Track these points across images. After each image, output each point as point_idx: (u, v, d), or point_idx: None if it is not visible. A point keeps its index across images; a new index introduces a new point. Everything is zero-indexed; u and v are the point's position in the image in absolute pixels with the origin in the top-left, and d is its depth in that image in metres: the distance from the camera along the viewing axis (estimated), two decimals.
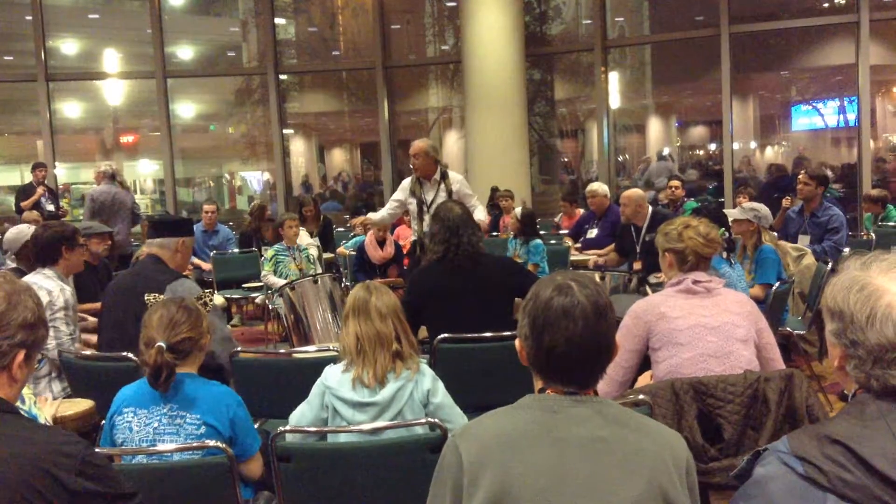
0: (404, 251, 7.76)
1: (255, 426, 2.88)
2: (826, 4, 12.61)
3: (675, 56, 13.51)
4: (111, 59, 13.82)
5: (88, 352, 3.95)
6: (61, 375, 3.91)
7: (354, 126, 16.51)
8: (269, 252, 7.06)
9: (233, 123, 15.67)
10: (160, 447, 2.59)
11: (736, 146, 12.03)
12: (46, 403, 3.26)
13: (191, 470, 2.54)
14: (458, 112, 13.93)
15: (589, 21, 12.69)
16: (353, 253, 7.98)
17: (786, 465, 1.33)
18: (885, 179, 11.08)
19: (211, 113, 16.02)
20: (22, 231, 4.86)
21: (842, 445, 1.30)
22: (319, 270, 7.09)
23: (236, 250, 8.61)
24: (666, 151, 13.93)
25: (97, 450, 2.49)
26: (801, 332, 5.35)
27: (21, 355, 1.68)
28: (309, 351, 4.29)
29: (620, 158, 13.72)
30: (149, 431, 2.62)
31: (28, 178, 10.53)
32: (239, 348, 3.75)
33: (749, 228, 5.31)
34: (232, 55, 15.89)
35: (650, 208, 6.64)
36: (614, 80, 12.73)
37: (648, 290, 4.54)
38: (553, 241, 7.91)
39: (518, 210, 6.99)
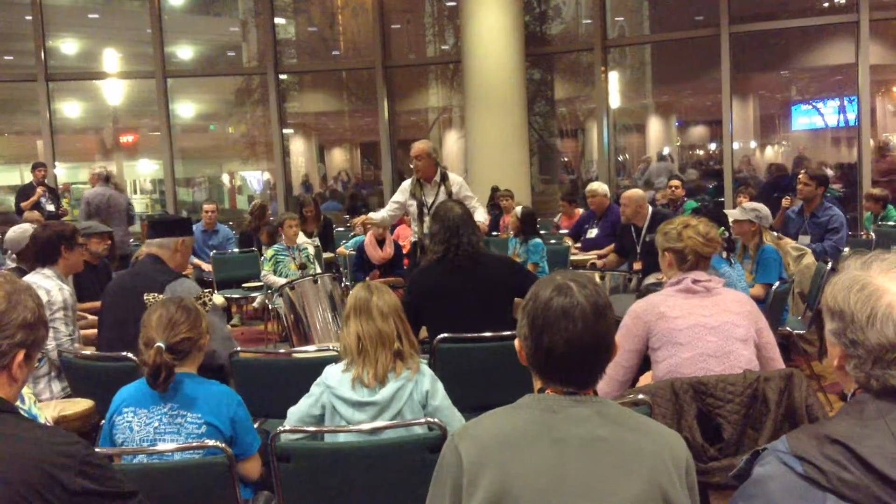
0: (404, 251, 7.76)
1: (255, 426, 2.88)
2: (826, 4, 12.61)
3: (675, 56, 13.51)
4: (111, 58, 13.82)
5: (88, 351, 3.95)
6: (61, 375, 3.91)
7: (354, 126, 16.51)
8: (268, 252, 7.07)
9: (233, 123, 15.67)
10: (160, 447, 2.59)
11: (736, 146, 12.03)
12: (48, 406, 3.26)
13: (190, 470, 2.54)
14: (458, 112, 13.93)
15: (589, 21, 12.70)
16: (353, 253, 7.98)
17: (785, 464, 1.34)
18: (887, 179, 11.07)
19: (211, 113, 16.02)
20: (24, 231, 4.86)
21: (841, 445, 1.30)
22: (317, 269, 7.10)
23: (236, 250, 8.62)
24: (666, 151, 13.93)
25: (97, 450, 2.50)
26: (801, 332, 5.35)
27: (21, 355, 1.68)
28: (309, 351, 4.30)
29: (620, 158, 13.73)
30: (149, 431, 2.62)
31: (28, 178, 10.53)
32: (238, 348, 3.75)
33: (750, 229, 5.31)
34: (232, 55, 15.89)
35: (650, 208, 6.64)
36: (614, 79, 12.73)
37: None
38: (553, 241, 7.91)
39: (518, 209, 7.00)
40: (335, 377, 2.76)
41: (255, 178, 15.90)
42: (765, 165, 13.62)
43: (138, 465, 2.59)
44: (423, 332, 3.97)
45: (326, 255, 8.18)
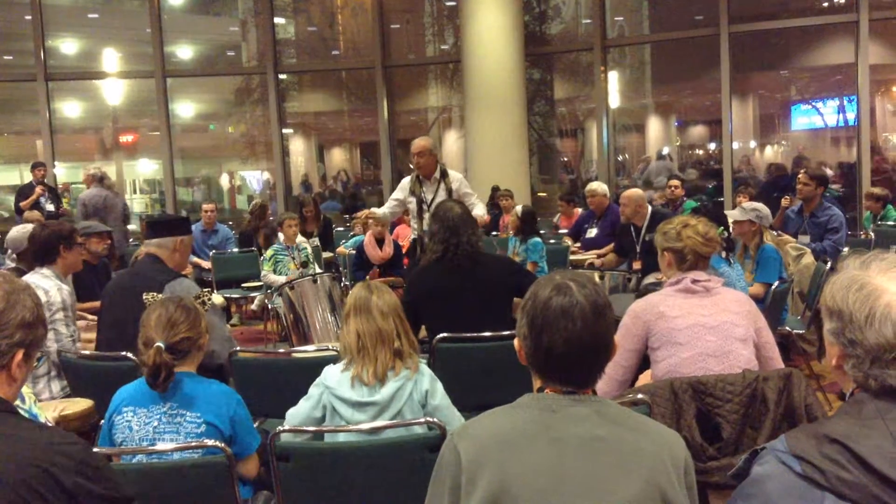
0: (403, 251, 7.76)
1: (255, 425, 2.89)
2: (825, 4, 12.61)
3: (674, 55, 13.51)
4: (110, 58, 13.82)
5: (87, 351, 3.95)
6: (60, 375, 3.91)
7: (354, 125, 16.50)
8: (268, 251, 7.08)
9: (232, 123, 15.67)
10: (159, 446, 2.59)
11: (735, 146, 12.03)
12: (48, 406, 3.26)
13: (190, 469, 2.54)
14: (458, 111, 13.93)
15: (588, 20, 12.70)
16: (353, 252, 7.98)
17: (784, 464, 1.34)
18: (888, 178, 11.07)
19: (210, 112, 16.01)
20: (26, 230, 4.87)
21: (840, 444, 1.30)
22: (316, 269, 7.11)
23: (235, 250, 8.62)
24: (665, 151, 13.92)
25: (96, 449, 2.50)
26: (801, 332, 5.35)
27: (20, 355, 1.68)
28: (308, 350, 4.30)
29: (620, 158, 13.72)
30: (148, 431, 2.62)
31: (28, 177, 10.52)
32: (238, 348, 3.75)
33: (751, 229, 5.31)
34: (231, 55, 15.88)
35: (650, 208, 6.64)
36: (614, 79, 12.73)
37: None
38: (552, 241, 7.91)
39: (519, 208, 7.01)
40: (334, 377, 2.76)
41: (255, 178, 15.90)
42: (764, 165, 13.62)
43: (138, 464, 2.59)
44: (423, 332, 3.97)
45: (326, 254, 8.18)
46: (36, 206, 9.57)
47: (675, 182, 8.88)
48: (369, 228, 7.55)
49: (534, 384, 1.73)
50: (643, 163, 14.01)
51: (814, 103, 13.80)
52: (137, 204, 15.50)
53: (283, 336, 6.42)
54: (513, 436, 1.61)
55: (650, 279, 5.36)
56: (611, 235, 7.45)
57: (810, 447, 1.32)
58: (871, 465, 1.27)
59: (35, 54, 12.03)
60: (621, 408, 1.70)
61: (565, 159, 14.80)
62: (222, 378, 3.40)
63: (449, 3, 13.78)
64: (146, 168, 15.67)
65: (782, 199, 7.37)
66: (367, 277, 7.09)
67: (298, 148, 15.86)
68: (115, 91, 13.93)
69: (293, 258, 6.98)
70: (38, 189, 9.82)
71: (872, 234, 7.68)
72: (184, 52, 14.60)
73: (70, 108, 14.17)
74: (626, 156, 14.52)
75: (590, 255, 7.40)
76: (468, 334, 3.71)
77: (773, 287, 4.90)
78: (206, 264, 8.28)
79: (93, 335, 4.19)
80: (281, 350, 5.20)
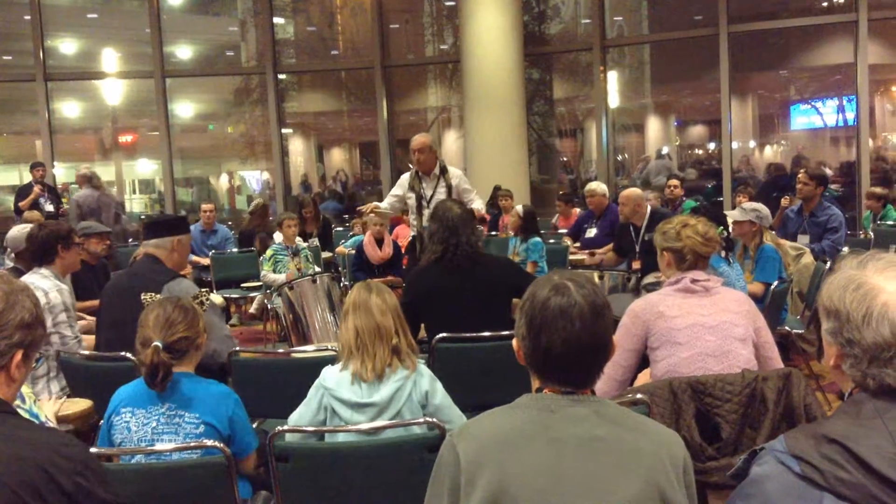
0: (402, 251, 7.75)
1: (254, 426, 2.89)
2: (825, 4, 12.61)
3: (673, 55, 13.51)
4: (110, 58, 13.81)
5: (86, 351, 3.95)
6: (59, 375, 3.91)
7: (353, 125, 16.50)
8: (268, 251, 7.09)
9: (231, 123, 15.66)
10: (158, 447, 2.59)
11: (735, 145, 12.03)
12: (49, 402, 3.26)
13: (189, 470, 2.54)
14: (457, 111, 13.93)
15: (587, 20, 12.69)
16: (352, 252, 7.98)
17: (782, 464, 1.34)
18: (887, 178, 11.07)
19: (209, 112, 16.01)
20: (25, 230, 4.87)
21: (838, 444, 1.30)
22: (315, 269, 7.11)
23: (235, 250, 8.61)
24: (665, 150, 13.92)
25: (95, 450, 2.50)
26: (800, 332, 5.35)
27: (19, 355, 1.68)
28: (307, 350, 4.30)
29: (619, 158, 13.72)
30: (147, 431, 2.62)
31: (27, 178, 10.52)
32: (237, 347, 3.75)
33: (751, 229, 5.31)
34: (230, 55, 15.88)
35: (649, 207, 6.64)
36: (613, 79, 12.73)
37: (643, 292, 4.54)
38: (552, 241, 7.91)
39: (519, 208, 7.01)
40: (333, 378, 2.76)
41: (254, 178, 15.90)
42: (764, 165, 13.63)
43: (137, 464, 2.58)
44: (422, 332, 3.97)
45: (325, 254, 8.18)
46: (35, 206, 9.56)
47: (675, 182, 8.88)
48: (369, 228, 7.55)
49: (532, 384, 1.73)
50: (642, 162, 14.01)
51: (813, 103, 13.81)
52: (136, 204, 15.50)
53: (282, 336, 6.42)
54: (512, 436, 1.61)
55: (650, 279, 5.36)
56: (610, 235, 7.45)
57: (809, 447, 1.33)
58: (870, 465, 1.27)
59: (34, 54, 12.03)
60: (620, 408, 1.70)
61: (564, 159, 14.81)
62: (222, 378, 3.40)
63: (448, 3, 13.78)
64: (145, 168, 15.67)
65: (782, 199, 7.37)
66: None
67: (298, 148, 15.86)
68: (114, 91, 13.92)
69: (293, 258, 6.99)
70: (37, 189, 9.81)
71: (871, 233, 7.68)
72: (183, 52, 14.60)
73: (69, 109, 14.16)
74: (626, 155, 14.52)
75: (588, 255, 7.38)
76: (467, 334, 3.71)
77: (773, 287, 4.90)
78: (206, 262, 8.28)
79: (91, 336, 4.19)
80: (280, 350, 5.20)
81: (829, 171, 10.77)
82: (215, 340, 3.48)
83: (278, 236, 7.44)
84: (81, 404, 3.47)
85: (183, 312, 2.71)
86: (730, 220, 5.38)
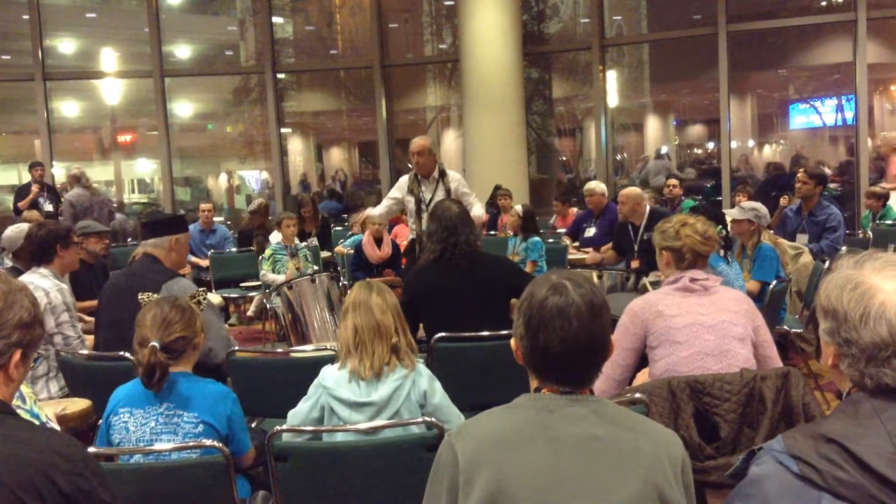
0: (402, 251, 7.75)
1: (252, 425, 2.89)
2: (824, 3, 12.62)
3: (672, 55, 13.51)
4: (108, 58, 13.81)
5: (85, 351, 3.95)
6: (58, 375, 3.91)
7: (352, 125, 16.50)
8: (266, 251, 7.08)
9: (230, 122, 15.66)
10: (157, 447, 2.59)
11: (734, 145, 12.03)
12: (49, 404, 3.27)
13: (187, 469, 2.54)
14: (456, 111, 13.92)
15: (587, 20, 12.69)
16: (351, 252, 7.98)
17: (781, 464, 1.34)
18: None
19: (208, 112, 16.01)
20: (22, 230, 4.88)
21: (837, 444, 1.30)
22: (314, 267, 7.12)
23: (234, 249, 8.61)
24: (664, 150, 13.93)
25: (94, 450, 2.50)
26: (799, 331, 5.35)
27: (17, 355, 1.68)
28: (306, 350, 4.29)
29: (618, 157, 13.72)
30: (145, 431, 2.62)
31: (26, 177, 10.52)
32: (236, 347, 3.75)
33: (749, 228, 5.31)
34: (230, 54, 15.87)
35: (648, 207, 6.64)
36: (612, 78, 12.73)
37: (648, 286, 4.53)
38: (551, 240, 7.92)
39: (518, 207, 7.01)
40: (332, 378, 2.76)
41: (254, 178, 15.90)
42: (763, 164, 13.64)
43: (136, 464, 2.58)
44: (421, 332, 3.97)
45: (324, 254, 8.17)
46: (34, 205, 9.56)
47: (673, 181, 8.88)
48: (367, 228, 7.55)
49: (531, 384, 1.73)
50: (641, 162, 14.01)
51: (812, 102, 13.82)
52: (135, 204, 15.50)
53: (281, 336, 6.42)
54: (510, 436, 1.61)
55: (649, 278, 5.36)
56: (609, 234, 7.45)
57: (807, 447, 1.33)
58: (868, 464, 1.27)
59: (33, 54, 12.02)
60: (619, 407, 1.70)
61: (564, 158, 14.81)
62: (220, 378, 3.40)
63: (447, 3, 13.78)
64: (144, 168, 15.66)
65: (781, 199, 7.38)
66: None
67: (297, 147, 15.85)
68: (113, 91, 13.92)
69: (292, 258, 6.99)
70: (35, 188, 9.81)
71: (870, 233, 7.68)
72: (182, 51, 14.59)
73: (68, 108, 14.16)
74: (625, 155, 14.52)
75: (588, 255, 7.38)
76: (466, 334, 3.71)
77: (771, 286, 4.90)
78: (205, 263, 8.28)
79: (91, 336, 4.19)
80: (279, 350, 5.20)
81: (827, 171, 10.76)
82: (213, 340, 3.48)
83: (276, 236, 7.44)
84: (80, 404, 3.47)
85: (180, 312, 2.71)
86: (728, 219, 5.38)
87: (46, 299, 3.89)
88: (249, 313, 8.10)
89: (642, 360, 3.09)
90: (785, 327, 5.20)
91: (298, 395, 2.81)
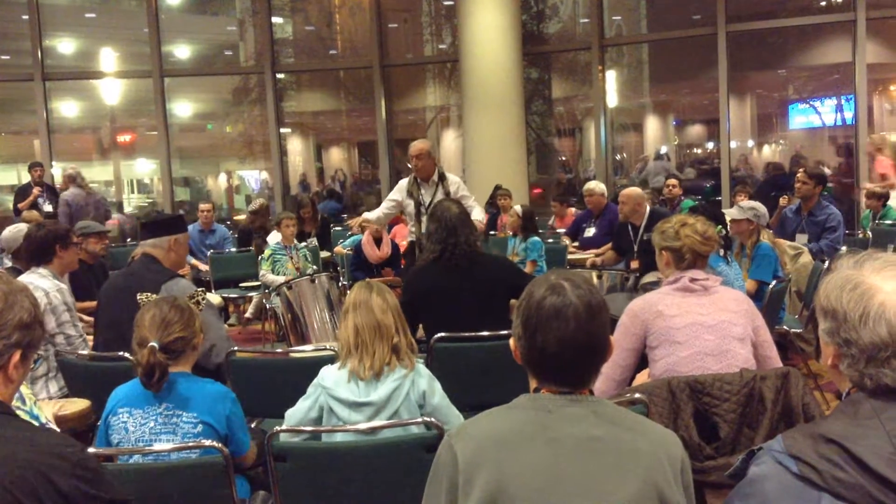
0: (401, 251, 7.75)
1: (252, 426, 2.89)
2: (823, 3, 12.62)
3: (672, 55, 13.51)
4: (108, 58, 13.80)
5: (85, 352, 3.95)
6: (58, 375, 3.91)
7: (352, 125, 16.49)
8: (266, 251, 7.08)
9: (230, 122, 15.65)
10: (156, 447, 2.58)
11: (733, 145, 12.03)
12: (48, 404, 3.26)
13: (187, 469, 2.54)
14: (456, 111, 13.92)
15: (586, 20, 12.69)
16: (351, 252, 7.98)
17: (780, 464, 1.34)
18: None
19: (208, 112, 16.01)
20: (20, 230, 4.88)
21: (836, 444, 1.30)
22: (313, 267, 7.12)
23: (233, 249, 8.60)
24: (663, 150, 13.93)
25: (94, 450, 2.50)
26: (798, 331, 5.35)
27: (17, 356, 1.67)
28: (306, 350, 4.30)
29: (618, 157, 13.72)
30: (144, 431, 2.62)
31: (25, 178, 10.51)
32: (235, 347, 3.75)
33: (748, 228, 5.31)
34: (229, 54, 15.87)
35: (648, 207, 6.64)
36: (611, 78, 12.73)
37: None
38: (551, 241, 7.92)
39: (518, 207, 7.02)
40: (331, 378, 2.76)
41: (253, 178, 15.89)
42: (762, 164, 13.64)
43: (135, 465, 2.58)
44: (420, 332, 3.97)
45: (324, 254, 8.17)
46: (34, 206, 9.56)
47: (673, 181, 8.88)
48: (366, 228, 7.55)
49: (530, 385, 1.73)
50: (641, 162, 14.01)
51: (811, 102, 13.82)
52: (135, 204, 15.50)
53: (280, 336, 6.42)
54: (510, 436, 1.61)
55: (649, 278, 5.36)
56: (609, 234, 7.45)
57: (807, 447, 1.32)
58: (868, 464, 1.27)
59: (32, 54, 12.01)
60: (618, 408, 1.70)
61: (563, 159, 14.81)
62: (220, 378, 3.39)
63: (446, 3, 13.78)
64: (144, 168, 15.66)
65: (781, 199, 7.37)
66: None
67: (296, 147, 15.85)
68: (112, 91, 13.91)
69: (291, 258, 6.99)
70: (35, 190, 9.81)
71: (870, 233, 7.67)
72: (181, 51, 14.58)
73: (67, 108, 14.15)
74: (624, 155, 14.53)
75: (589, 255, 7.39)
76: (466, 334, 3.71)
77: (771, 286, 4.90)
78: (204, 266, 8.27)
79: (89, 336, 4.19)
80: (279, 350, 5.20)
81: (827, 171, 10.76)
82: (212, 340, 3.48)
83: (275, 236, 7.43)
84: (79, 404, 3.47)
85: (179, 312, 2.71)
86: (728, 219, 5.38)
87: (46, 300, 3.89)
88: (247, 315, 8.10)
89: (642, 361, 3.09)
90: (784, 327, 5.20)
91: (298, 396, 2.81)
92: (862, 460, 1.27)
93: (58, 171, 12.52)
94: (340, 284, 5.48)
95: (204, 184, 16.02)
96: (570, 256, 7.40)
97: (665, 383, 2.80)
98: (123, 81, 13.78)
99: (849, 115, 11.67)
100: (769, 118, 15.09)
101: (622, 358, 3.02)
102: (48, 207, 9.73)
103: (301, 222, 8.00)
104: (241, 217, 11.49)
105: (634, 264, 6.27)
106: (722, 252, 4.87)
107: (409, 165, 5.93)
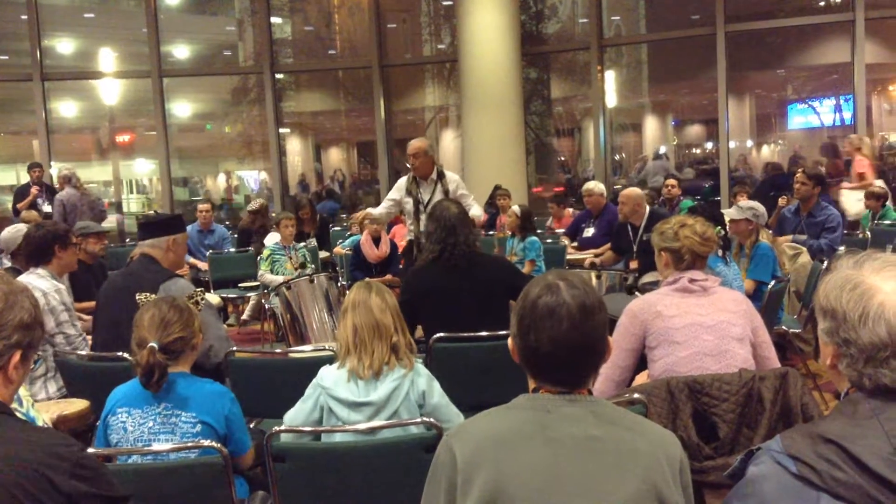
0: (399, 251, 7.75)
1: (251, 426, 2.89)
2: (822, 3, 12.63)
3: (671, 55, 13.53)
4: (107, 58, 13.80)
5: (84, 352, 3.95)
6: (57, 376, 3.91)
7: (351, 125, 16.50)
8: (265, 251, 7.08)
9: (229, 122, 15.66)
10: (155, 447, 2.58)
11: (732, 145, 12.05)
12: (46, 408, 3.26)
13: (186, 470, 2.53)
14: (455, 111, 13.93)
15: (585, 20, 12.70)
16: (350, 252, 7.98)
17: (779, 464, 1.34)
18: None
19: (207, 112, 16.01)
20: (19, 230, 4.88)
21: (835, 444, 1.30)
22: (312, 267, 7.12)
23: (232, 249, 8.60)
24: (662, 150, 13.94)
25: (93, 450, 2.50)
26: (797, 331, 5.35)
27: (17, 356, 1.67)
28: (305, 350, 4.30)
29: (617, 157, 13.73)
30: (143, 431, 2.62)
31: (24, 178, 10.51)
32: (234, 347, 3.75)
33: (747, 228, 5.31)
34: (228, 54, 15.88)
35: (648, 208, 6.65)
36: (610, 78, 12.74)
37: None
38: (549, 241, 7.92)
39: (516, 207, 7.02)
40: (330, 378, 2.76)
41: (252, 178, 15.90)
42: (761, 164, 13.65)
43: (134, 465, 2.58)
44: (419, 332, 3.97)
45: (323, 254, 8.17)
46: (33, 206, 9.55)
47: (672, 181, 8.89)
48: (365, 227, 7.56)
49: (529, 385, 1.73)
50: (640, 162, 14.02)
51: (810, 102, 13.84)
52: (134, 204, 15.50)
53: (279, 336, 6.42)
54: (508, 436, 1.61)
55: (648, 278, 5.37)
56: (607, 235, 7.45)
57: (805, 447, 1.33)
58: (866, 464, 1.27)
59: (31, 54, 12.00)
60: (617, 408, 1.70)
61: (562, 159, 14.82)
62: (220, 378, 3.40)
63: (445, 3, 13.78)
64: (143, 168, 15.66)
65: (780, 199, 7.38)
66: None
67: (295, 147, 15.86)
68: (111, 91, 13.91)
69: (290, 259, 6.99)
70: (34, 190, 9.80)
71: (869, 233, 7.68)
72: (180, 51, 14.58)
73: (66, 108, 14.15)
74: (623, 155, 14.54)
75: (588, 254, 7.39)
76: (465, 334, 3.71)
77: (770, 286, 4.91)
78: (203, 265, 8.27)
79: (88, 336, 4.19)
80: (278, 350, 5.20)
81: (824, 170, 10.77)
82: (212, 340, 3.48)
83: (274, 237, 7.43)
84: (78, 405, 3.47)
85: (178, 312, 2.71)
86: (726, 219, 5.38)
87: (44, 300, 3.89)
88: (244, 316, 8.09)
89: (642, 362, 3.09)
90: (783, 327, 5.20)
91: (297, 396, 2.81)
92: (860, 460, 1.27)
93: (57, 172, 12.53)
94: (339, 284, 5.48)
95: (203, 184, 16.02)
96: (568, 256, 7.40)
97: (664, 383, 2.80)
98: (122, 81, 13.78)
99: (847, 115, 11.69)
100: (768, 118, 15.11)
101: (621, 358, 3.02)
102: (47, 208, 9.73)
103: (300, 223, 8.00)
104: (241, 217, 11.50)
105: (633, 264, 6.28)
106: (720, 252, 4.87)
107: (408, 165, 5.93)
